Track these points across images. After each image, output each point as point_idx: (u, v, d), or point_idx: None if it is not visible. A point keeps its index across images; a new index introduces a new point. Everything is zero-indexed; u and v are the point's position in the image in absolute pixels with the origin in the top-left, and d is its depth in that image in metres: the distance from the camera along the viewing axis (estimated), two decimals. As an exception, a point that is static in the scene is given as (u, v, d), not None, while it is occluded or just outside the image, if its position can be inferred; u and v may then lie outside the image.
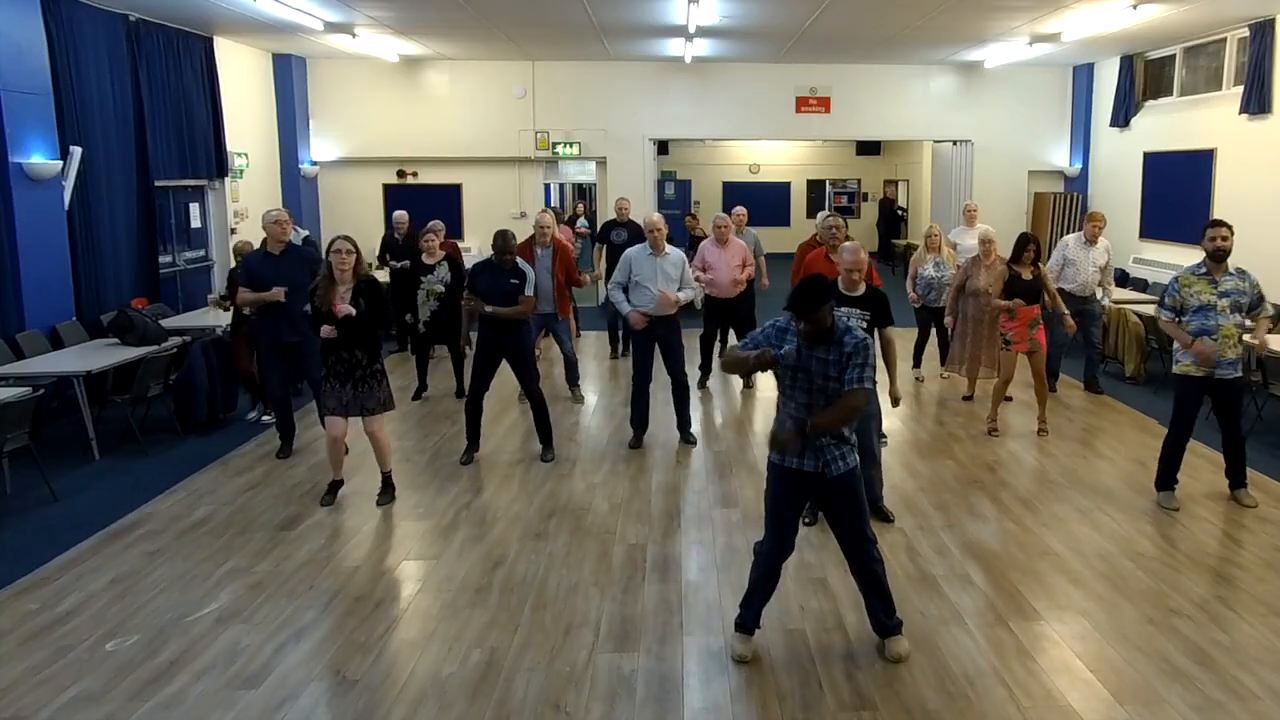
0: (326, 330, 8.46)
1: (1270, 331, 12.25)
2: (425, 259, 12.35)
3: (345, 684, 5.86)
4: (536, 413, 10.27)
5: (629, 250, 10.64)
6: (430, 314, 12.32)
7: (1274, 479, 9.57)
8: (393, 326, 11.61)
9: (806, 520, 8.20)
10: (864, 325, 7.82)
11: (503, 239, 9.84)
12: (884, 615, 6.23)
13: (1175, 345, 8.67)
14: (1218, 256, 8.36)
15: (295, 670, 6.02)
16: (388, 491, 9.10)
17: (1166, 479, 8.92)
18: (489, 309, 9.66)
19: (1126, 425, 11.55)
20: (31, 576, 7.42)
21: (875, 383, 6.08)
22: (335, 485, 9.14)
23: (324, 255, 8.91)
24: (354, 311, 8.48)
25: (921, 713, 5.52)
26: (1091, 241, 12.77)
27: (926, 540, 8.08)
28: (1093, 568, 7.50)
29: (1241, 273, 8.49)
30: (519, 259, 10.05)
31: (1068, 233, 16.59)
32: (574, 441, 11.02)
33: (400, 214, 15.61)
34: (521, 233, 11.78)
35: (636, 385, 10.66)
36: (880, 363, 7.52)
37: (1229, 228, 8.36)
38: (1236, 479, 8.95)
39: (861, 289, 7.98)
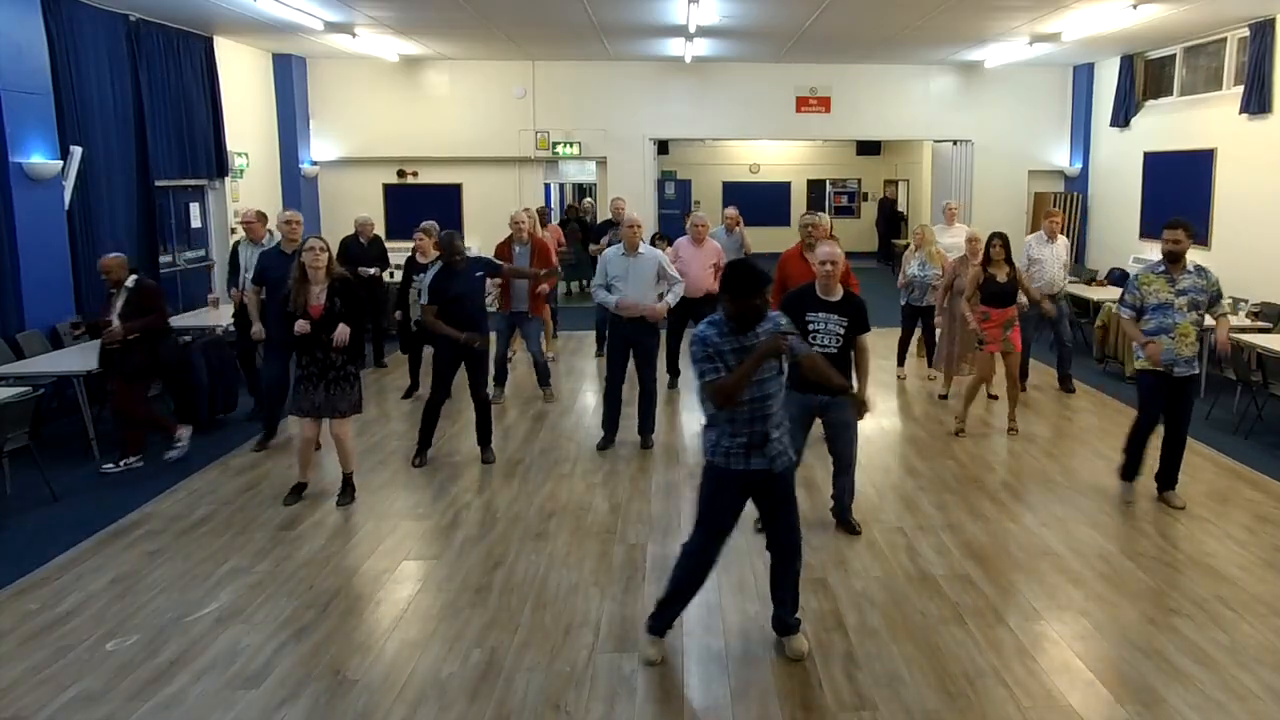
0: (300, 325, 8.55)
1: (1272, 330, 12.33)
2: (419, 258, 12.37)
3: (345, 684, 5.88)
4: (480, 415, 10.18)
5: (605, 250, 10.72)
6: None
7: (1274, 479, 9.58)
8: (366, 325, 11.51)
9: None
10: (841, 331, 7.76)
11: (450, 240, 9.76)
12: (791, 612, 6.35)
13: (1143, 337, 8.58)
14: (1171, 258, 8.40)
15: (295, 670, 6.04)
16: (348, 492, 9.12)
17: (1130, 470, 8.99)
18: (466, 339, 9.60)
19: (1126, 424, 11.40)
20: (32, 576, 7.44)
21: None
22: (299, 487, 9.19)
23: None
24: (309, 329, 8.60)
25: (921, 712, 5.55)
26: (1051, 238, 12.88)
27: (926, 540, 8.10)
28: (1093, 568, 7.53)
29: (1201, 270, 8.48)
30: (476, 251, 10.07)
31: (1067, 233, 16.65)
32: (573, 441, 11.03)
33: (364, 217, 15.44)
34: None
35: (609, 385, 10.62)
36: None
37: (1185, 229, 8.37)
38: (1167, 480, 8.92)
39: (839, 294, 7.85)
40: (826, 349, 7.66)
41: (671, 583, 6.21)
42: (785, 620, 6.31)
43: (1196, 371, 8.58)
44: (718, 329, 5.76)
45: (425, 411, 10.08)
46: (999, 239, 10.95)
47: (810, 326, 7.71)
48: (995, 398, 12.35)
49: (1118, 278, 17.50)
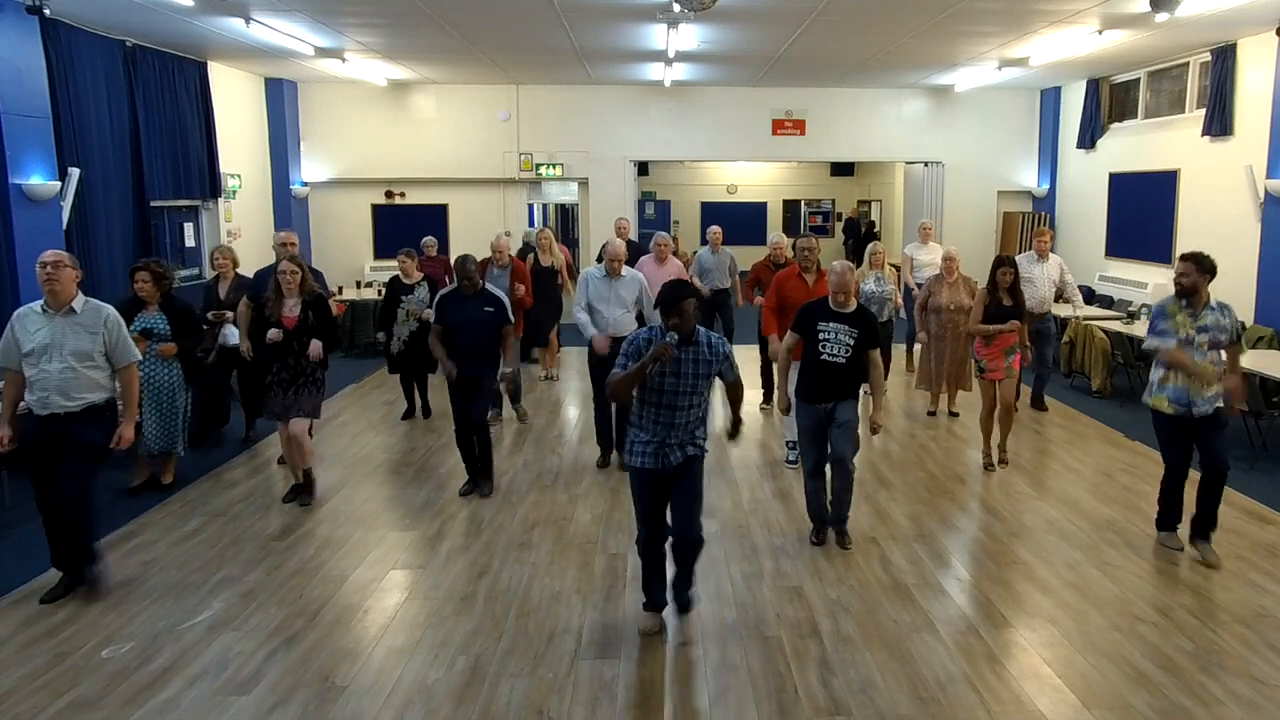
0: (273, 334, 9.09)
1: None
2: (403, 279, 12.44)
3: (334, 690, 6.00)
4: (481, 446, 9.75)
5: (587, 271, 10.64)
6: (410, 334, 12.31)
7: (1238, 490, 9.62)
8: (338, 344, 10.97)
9: (814, 540, 8.35)
10: (851, 342, 7.93)
11: (463, 264, 9.58)
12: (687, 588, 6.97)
13: (1154, 376, 8.06)
14: (1181, 292, 7.88)
15: (285, 677, 6.16)
16: (308, 490, 9.55)
17: (1168, 519, 8.38)
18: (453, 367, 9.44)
19: (1093, 438, 11.78)
20: (29, 585, 7.55)
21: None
22: (297, 487, 9.61)
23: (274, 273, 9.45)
24: (281, 338, 9.12)
25: (894, 717, 5.68)
26: (1042, 256, 12.74)
27: (899, 549, 8.24)
28: (1061, 576, 7.67)
29: (1223, 307, 7.92)
30: (490, 285, 9.92)
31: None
32: (556, 454, 11.21)
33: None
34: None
35: (597, 405, 10.69)
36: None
37: (1195, 261, 7.83)
38: (1202, 528, 8.14)
39: (852, 306, 8.06)
40: (835, 358, 7.91)
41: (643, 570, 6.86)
42: (676, 595, 6.93)
43: (1220, 404, 7.89)
44: (650, 334, 6.35)
45: (459, 443, 9.75)
46: (1009, 265, 10.44)
47: (821, 335, 7.94)
48: (956, 414, 12.52)
49: (1085, 295, 17.62)
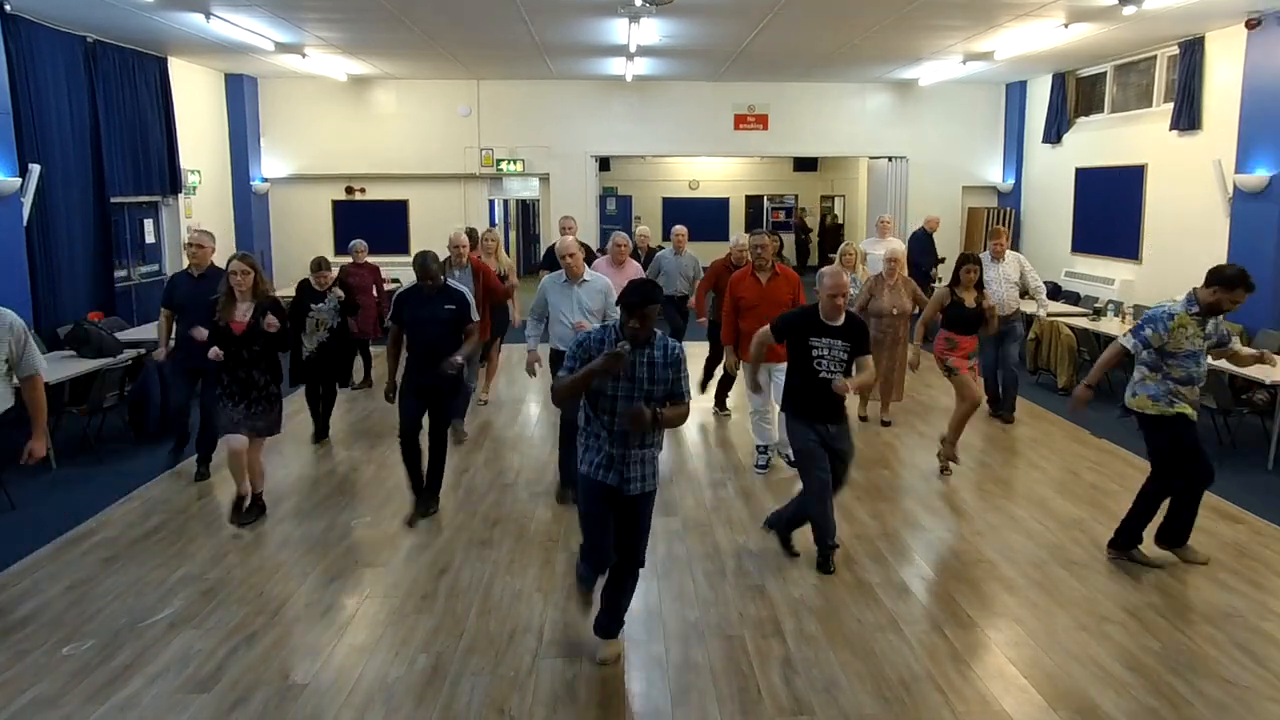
0: (214, 353, 8.53)
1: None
2: (314, 286, 11.74)
3: (295, 688, 5.97)
4: (434, 458, 9.04)
5: (545, 279, 9.60)
6: (319, 344, 11.70)
7: (1206, 489, 9.48)
8: (289, 349, 10.09)
9: (795, 552, 8.03)
10: (845, 357, 7.56)
11: (422, 261, 8.81)
12: (610, 620, 6.42)
13: (1160, 390, 7.59)
14: (1212, 312, 7.48)
15: (246, 675, 6.12)
16: (254, 510, 8.93)
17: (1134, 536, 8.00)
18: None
19: (1059, 435, 11.80)
20: (-16, 583, 7.47)
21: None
22: (240, 501, 8.89)
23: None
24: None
25: (858, 717, 5.65)
26: (998, 257, 12.34)
27: (863, 548, 8.21)
28: (1026, 575, 7.65)
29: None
30: (453, 282, 9.16)
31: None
32: (516, 452, 11.16)
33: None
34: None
35: (564, 430, 9.18)
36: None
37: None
38: (1182, 534, 7.93)
39: (842, 318, 7.60)
40: (834, 375, 7.48)
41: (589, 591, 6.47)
42: (604, 624, 6.43)
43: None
44: (603, 335, 5.94)
45: (404, 453, 8.95)
46: (973, 263, 10.26)
47: (814, 352, 7.51)
48: (888, 424, 12.12)
49: (1050, 291, 17.63)
